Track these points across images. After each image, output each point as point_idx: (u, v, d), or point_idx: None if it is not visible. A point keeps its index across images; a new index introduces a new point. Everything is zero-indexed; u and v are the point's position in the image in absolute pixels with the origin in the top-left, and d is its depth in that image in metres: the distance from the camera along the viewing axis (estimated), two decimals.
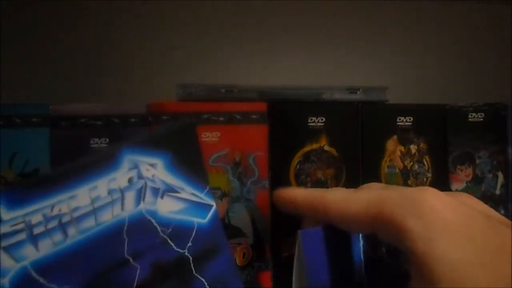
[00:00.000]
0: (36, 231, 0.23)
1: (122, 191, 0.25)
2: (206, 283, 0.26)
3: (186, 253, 0.26)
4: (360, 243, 0.26)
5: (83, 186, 0.24)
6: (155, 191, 0.25)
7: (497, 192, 0.35)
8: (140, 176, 0.25)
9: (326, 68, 0.50)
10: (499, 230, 0.19)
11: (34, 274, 0.22)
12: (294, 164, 0.31)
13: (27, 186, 0.23)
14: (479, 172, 0.35)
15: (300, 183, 0.31)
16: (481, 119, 0.35)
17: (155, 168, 0.26)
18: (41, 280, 0.22)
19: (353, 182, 0.32)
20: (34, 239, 0.23)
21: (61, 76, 0.45)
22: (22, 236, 0.22)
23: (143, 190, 0.25)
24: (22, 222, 0.22)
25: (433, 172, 0.34)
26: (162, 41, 0.47)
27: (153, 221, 0.25)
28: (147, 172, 0.25)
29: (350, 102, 0.33)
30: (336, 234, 0.25)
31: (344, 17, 0.51)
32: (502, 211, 0.35)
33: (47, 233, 0.23)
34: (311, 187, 0.31)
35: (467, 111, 0.35)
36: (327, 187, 0.32)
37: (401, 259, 0.25)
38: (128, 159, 0.25)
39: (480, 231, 0.19)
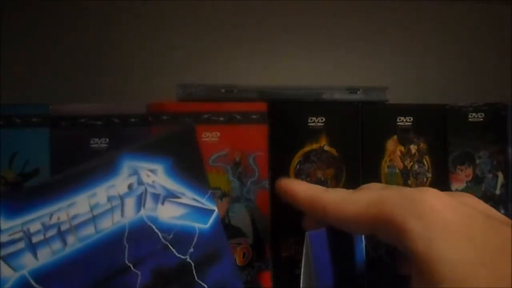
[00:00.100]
0: (35, 239, 0.23)
1: (122, 198, 0.24)
2: None
3: (187, 259, 0.25)
4: (362, 243, 0.26)
5: (82, 194, 0.24)
6: (156, 197, 0.25)
7: (497, 192, 0.35)
8: (140, 182, 0.25)
9: (326, 68, 0.50)
10: (500, 229, 0.19)
11: (33, 283, 0.22)
12: (294, 164, 0.31)
13: (25, 194, 0.23)
14: (479, 172, 0.35)
15: None
16: (481, 119, 0.35)
17: (155, 174, 0.25)
18: None
19: (353, 182, 0.32)
20: (33, 247, 0.22)
21: (61, 76, 0.45)
22: (21, 245, 0.22)
23: (144, 196, 0.25)
24: (20, 231, 0.22)
25: (433, 172, 0.34)
26: (162, 41, 0.47)
27: (154, 227, 0.25)
28: (147, 178, 0.25)
29: (350, 102, 0.33)
30: (340, 234, 0.25)
31: (344, 17, 0.51)
32: (502, 211, 0.35)
33: (46, 241, 0.23)
34: None
35: (467, 111, 0.35)
36: (327, 187, 0.32)
37: (401, 261, 0.25)
38: (127, 165, 0.25)
39: (481, 231, 0.19)
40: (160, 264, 0.25)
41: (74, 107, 0.29)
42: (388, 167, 0.33)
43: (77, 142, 0.28)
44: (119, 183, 0.25)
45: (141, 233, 0.25)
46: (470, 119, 0.35)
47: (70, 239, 0.23)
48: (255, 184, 0.30)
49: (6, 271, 0.22)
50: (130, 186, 0.25)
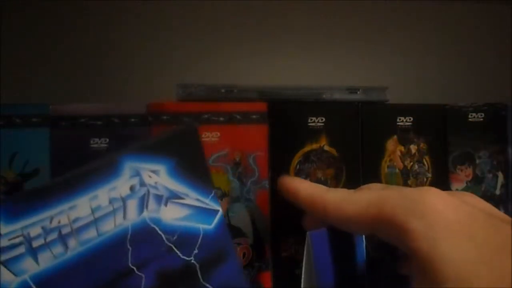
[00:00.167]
0: (36, 244, 0.22)
1: (124, 200, 0.24)
2: None
3: (192, 261, 0.25)
4: (363, 243, 0.26)
5: (83, 196, 0.23)
6: (159, 198, 0.25)
7: (497, 192, 0.35)
8: (142, 184, 0.25)
9: (326, 68, 0.50)
10: (501, 227, 0.19)
11: None
12: (294, 164, 0.31)
13: (25, 197, 0.23)
14: (479, 172, 0.35)
15: None
16: (481, 119, 0.35)
17: (157, 175, 0.25)
18: None
19: (353, 182, 0.32)
20: (33, 252, 0.22)
21: (61, 76, 0.45)
22: (21, 249, 0.22)
23: (146, 198, 0.25)
24: (20, 236, 0.22)
25: (433, 172, 0.34)
26: (162, 41, 0.47)
27: (157, 229, 0.25)
28: (149, 179, 0.25)
29: (350, 102, 0.33)
30: (341, 234, 0.25)
31: (344, 17, 0.51)
32: (502, 211, 0.35)
33: (46, 245, 0.23)
34: None
35: (467, 111, 0.35)
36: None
37: (402, 261, 0.25)
38: (129, 166, 0.25)
39: (482, 230, 0.19)
40: (164, 266, 0.24)
41: (74, 107, 0.29)
42: (388, 167, 0.33)
43: (77, 142, 0.28)
44: (121, 185, 0.24)
45: (145, 235, 0.24)
46: (470, 119, 0.35)
47: (72, 242, 0.23)
48: (255, 184, 0.30)
49: (7, 276, 0.22)
50: (132, 188, 0.25)
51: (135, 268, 0.24)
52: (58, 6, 0.45)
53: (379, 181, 0.33)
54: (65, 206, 0.23)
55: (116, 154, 0.25)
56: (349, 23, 0.51)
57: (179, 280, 0.25)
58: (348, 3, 0.51)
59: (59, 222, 0.23)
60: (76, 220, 0.23)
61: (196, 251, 0.25)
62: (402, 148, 0.33)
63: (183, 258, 0.25)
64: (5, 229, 0.22)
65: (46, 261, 0.22)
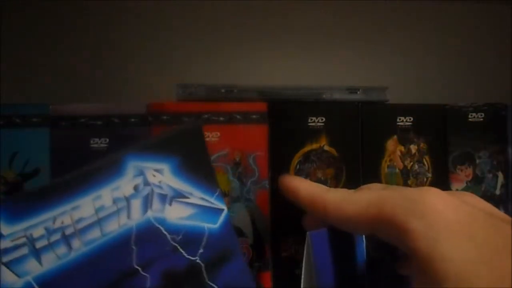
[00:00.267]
0: (39, 245, 0.22)
1: (128, 199, 0.24)
2: None
3: (197, 260, 0.25)
4: (363, 243, 0.26)
5: (86, 196, 0.23)
6: (163, 198, 0.25)
7: (497, 192, 0.35)
8: (146, 183, 0.25)
9: (326, 68, 0.50)
10: (501, 227, 0.19)
11: None
12: (294, 164, 0.31)
13: (27, 198, 0.23)
14: (479, 172, 0.35)
15: None
16: (481, 119, 0.35)
17: (161, 174, 0.25)
18: None
19: (353, 182, 0.32)
20: (36, 253, 0.22)
21: (61, 76, 0.45)
22: (24, 250, 0.22)
23: (150, 197, 0.25)
24: (23, 237, 0.22)
25: (433, 172, 0.34)
26: (162, 41, 0.47)
27: (162, 228, 0.24)
28: (153, 178, 0.25)
29: (350, 102, 0.33)
30: (341, 234, 0.25)
31: (344, 17, 0.51)
32: (502, 211, 0.35)
33: (50, 246, 0.22)
34: None
35: (467, 111, 0.35)
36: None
37: (401, 261, 0.25)
38: (132, 165, 0.24)
39: (482, 229, 0.19)
40: (170, 266, 0.24)
41: (74, 107, 0.29)
42: (388, 167, 0.33)
43: (77, 142, 0.28)
44: (125, 185, 0.24)
45: (149, 235, 0.24)
46: (470, 119, 0.35)
47: (75, 243, 0.23)
48: (255, 184, 0.30)
49: (10, 277, 0.22)
50: (136, 187, 0.24)
51: (140, 269, 0.24)
52: (58, 6, 0.45)
53: (379, 181, 0.33)
54: (68, 206, 0.23)
55: (119, 154, 0.24)
56: (349, 23, 0.51)
57: (185, 280, 0.24)
58: (348, 3, 0.51)
59: (62, 222, 0.23)
60: (79, 220, 0.23)
61: (201, 250, 0.25)
62: (402, 148, 0.33)
63: (188, 258, 0.25)
64: (8, 230, 0.22)
65: (50, 262, 0.22)
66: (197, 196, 0.26)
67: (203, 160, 0.26)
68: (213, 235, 0.26)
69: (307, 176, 0.31)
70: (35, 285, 0.22)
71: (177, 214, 0.25)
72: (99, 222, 0.23)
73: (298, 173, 0.31)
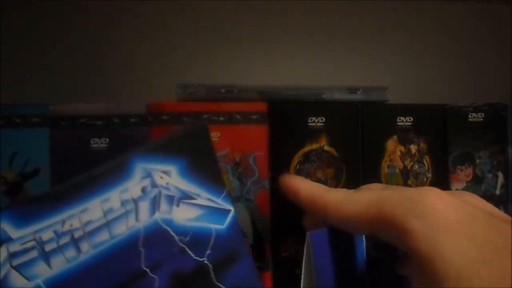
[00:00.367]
0: (48, 248, 0.22)
1: (136, 202, 0.24)
2: None
3: (205, 261, 0.25)
4: (363, 243, 0.26)
5: (94, 199, 0.23)
6: (170, 199, 0.25)
7: (497, 192, 0.35)
8: (153, 185, 0.25)
9: (326, 68, 0.50)
10: (501, 227, 0.19)
11: None
12: (294, 164, 0.31)
13: (36, 201, 0.23)
14: (479, 172, 0.35)
15: None
16: (481, 119, 0.35)
17: (169, 175, 0.25)
18: None
19: (353, 182, 0.32)
20: (46, 256, 0.22)
21: (61, 76, 0.45)
22: (34, 254, 0.22)
23: (158, 199, 0.25)
24: (32, 240, 0.22)
25: (433, 172, 0.34)
26: (162, 41, 0.47)
27: (169, 230, 0.25)
28: (161, 180, 0.25)
29: (350, 102, 0.33)
30: (341, 234, 0.25)
31: (344, 17, 0.51)
32: (502, 211, 0.35)
33: (59, 249, 0.22)
34: None
35: (467, 111, 0.35)
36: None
37: (402, 261, 0.25)
38: (140, 167, 0.24)
39: (482, 229, 0.19)
40: (177, 268, 0.24)
41: (74, 107, 0.29)
42: (388, 167, 0.33)
43: (77, 142, 0.28)
44: (132, 187, 0.24)
45: (157, 237, 0.24)
46: (470, 119, 0.35)
47: (84, 246, 0.23)
48: (255, 184, 0.30)
49: (20, 281, 0.22)
50: (143, 189, 0.24)
51: (148, 270, 0.24)
52: (58, 6, 0.45)
53: (379, 181, 0.33)
54: (76, 209, 0.23)
55: (127, 156, 0.24)
56: (349, 23, 0.51)
57: (192, 281, 0.24)
58: (348, 3, 0.51)
59: (71, 225, 0.23)
60: (88, 223, 0.23)
61: (208, 251, 0.25)
62: (402, 148, 0.33)
63: (196, 259, 0.25)
64: (17, 233, 0.22)
65: (59, 265, 0.22)
66: (204, 197, 0.26)
67: (210, 160, 0.26)
68: (221, 236, 0.26)
69: (307, 176, 0.31)
70: None
71: (184, 216, 0.25)
72: (107, 224, 0.23)
73: (298, 173, 0.31)
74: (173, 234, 0.25)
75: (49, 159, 0.28)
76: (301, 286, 0.26)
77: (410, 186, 0.33)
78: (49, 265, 0.22)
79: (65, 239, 0.23)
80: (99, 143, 0.28)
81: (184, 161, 0.25)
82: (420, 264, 0.19)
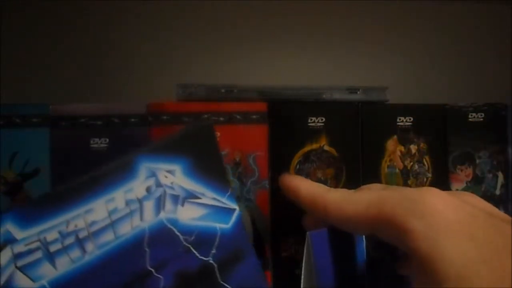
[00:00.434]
0: (53, 248, 0.22)
1: (140, 201, 0.24)
2: None
3: (210, 261, 0.25)
4: (363, 243, 0.26)
5: (99, 199, 0.23)
6: (175, 199, 0.25)
7: (497, 192, 0.35)
8: (158, 184, 0.25)
9: (326, 68, 0.50)
10: (501, 227, 0.20)
11: None
12: (294, 164, 0.31)
13: (40, 202, 0.23)
14: (479, 172, 0.35)
15: None
16: (481, 119, 0.35)
17: (173, 175, 0.25)
18: None
19: (353, 182, 0.32)
20: (51, 257, 0.22)
21: (61, 76, 0.45)
22: (38, 254, 0.22)
23: (163, 199, 0.25)
24: (37, 241, 0.22)
25: (433, 172, 0.34)
26: (162, 41, 0.47)
27: (174, 229, 0.24)
28: (165, 179, 0.25)
29: (350, 102, 0.33)
30: (341, 234, 0.25)
31: (344, 17, 0.51)
32: (502, 211, 0.35)
33: (64, 250, 0.22)
34: None
35: (467, 111, 0.35)
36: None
37: (402, 261, 0.25)
38: (144, 167, 0.24)
39: (482, 229, 0.19)
40: (182, 267, 0.24)
41: (74, 107, 0.29)
42: (388, 167, 0.33)
43: (77, 142, 0.28)
44: (137, 186, 0.24)
45: (162, 237, 0.24)
46: (470, 119, 0.35)
47: (89, 246, 0.23)
48: (255, 184, 0.30)
49: (25, 282, 0.22)
50: (148, 189, 0.24)
51: (153, 270, 0.24)
52: (58, 6, 0.45)
53: (379, 181, 0.33)
54: (81, 209, 0.23)
55: (131, 155, 0.24)
56: (349, 23, 0.51)
57: (198, 280, 0.24)
58: (348, 3, 0.51)
59: (75, 226, 0.23)
60: (93, 223, 0.23)
61: (213, 251, 0.25)
62: (402, 148, 0.33)
63: (201, 258, 0.25)
64: (22, 234, 0.22)
65: (64, 265, 0.22)
66: (209, 196, 0.26)
67: (215, 159, 0.26)
68: (226, 235, 0.26)
69: (307, 176, 0.31)
70: None
71: (189, 215, 0.25)
72: (112, 224, 0.23)
73: (298, 173, 0.31)
74: (178, 233, 0.25)
75: (49, 159, 0.28)
76: (301, 286, 0.26)
77: (410, 186, 0.33)
78: (54, 265, 0.22)
79: (70, 240, 0.23)
80: (99, 143, 0.28)
81: (189, 160, 0.25)
82: (420, 264, 0.19)
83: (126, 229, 0.24)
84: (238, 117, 0.30)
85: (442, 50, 0.53)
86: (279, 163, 0.31)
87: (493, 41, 0.54)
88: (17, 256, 0.22)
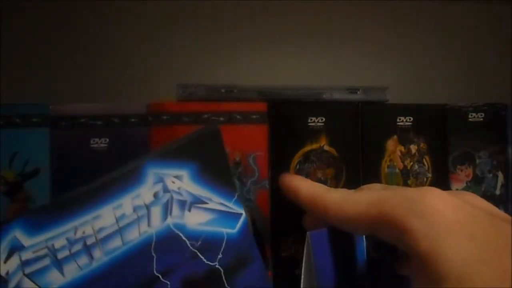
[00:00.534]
0: (61, 255, 0.22)
1: (148, 207, 0.24)
2: None
3: (216, 266, 0.25)
4: (363, 243, 0.26)
5: (107, 205, 0.23)
6: (182, 204, 0.25)
7: (497, 192, 0.35)
8: (165, 190, 0.24)
9: (326, 68, 0.50)
10: (502, 227, 0.19)
11: None
12: (294, 164, 0.31)
13: (48, 209, 0.23)
14: (479, 172, 0.35)
15: None
16: (481, 119, 0.35)
17: (180, 180, 0.25)
18: None
19: (353, 182, 0.32)
20: (58, 264, 0.22)
21: (61, 76, 0.45)
22: (46, 261, 0.22)
23: (170, 204, 0.25)
24: (45, 248, 0.22)
25: (433, 172, 0.34)
26: (162, 41, 0.47)
27: (181, 235, 0.24)
28: (172, 184, 0.25)
29: (350, 102, 0.33)
30: (341, 234, 0.25)
31: (344, 17, 0.51)
32: (502, 211, 0.35)
33: (72, 257, 0.22)
34: None
35: (467, 111, 0.35)
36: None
37: (402, 261, 0.25)
38: (152, 173, 0.24)
39: (483, 229, 0.19)
40: (189, 273, 0.24)
41: (74, 107, 0.29)
42: (388, 167, 0.33)
43: (77, 142, 0.28)
44: (144, 192, 0.24)
45: (169, 242, 0.24)
46: (470, 119, 0.35)
47: (97, 253, 0.23)
48: (255, 184, 0.30)
49: None
50: (155, 195, 0.24)
51: (160, 276, 0.24)
52: (58, 6, 0.45)
53: (379, 181, 0.33)
54: (89, 216, 0.23)
55: (138, 161, 0.24)
56: (349, 23, 0.51)
57: (204, 285, 0.24)
58: (348, 3, 0.51)
59: (83, 232, 0.23)
60: (100, 230, 0.23)
61: (220, 255, 0.25)
62: (402, 148, 0.33)
63: (208, 264, 0.25)
64: (29, 241, 0.22)
65: (72, 272, 0.22)
66: (216, 201, 0.26)
67: (222, 164, 0.26)
68: (232, 240, 0.25)
69: (307, 176, 0.31)
70: None
71: (196, 220, 0.25)
72: (120, 231, 0.23)
73: (298, 173, 0.31)
74: (185, 239, 0.24)
75: (49, 159, 0.28)
76: (301, 286, 0.26)
77: (410, 186, 0.33)
78: (61, 272, 0.22)
79: (78, 246, 0.23)
80: (99, 143, 0.28)
81: (196, 165, 0.25)
82: (420, 264, 0.19)
83: (134, 235, 0.24)
84: (238, 117, 0.30)
85: (442, 50, 0.53)
86: (279, 163, 0.31)
87: (493, 41, 0.54)
88: (25, 263, 0.22)
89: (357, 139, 0.32)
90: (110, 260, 0.23)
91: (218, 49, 0.48)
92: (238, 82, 0.32)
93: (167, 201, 0.25)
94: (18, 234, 0.22)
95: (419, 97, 0.48)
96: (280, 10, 0.49)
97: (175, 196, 0.25)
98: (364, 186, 0.27)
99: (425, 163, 0.34)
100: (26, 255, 0.22)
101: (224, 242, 0.25)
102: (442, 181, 0.34)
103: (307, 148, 0.31)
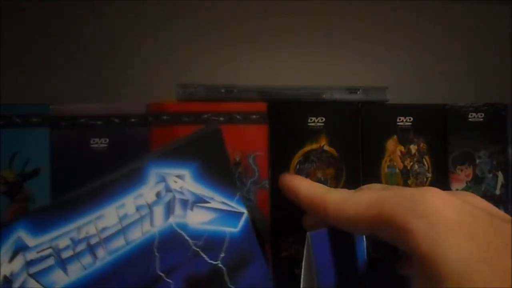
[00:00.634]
0: (64, 255, 0.22)
1: (151, 206, 0.24)
2: None
3: (219, 264, 0.25)
4: (364, 243, 0.26)
5: (110, 205, 0.23)
6: (184, 203, 0.25)
7: (497, 192, 0.35)
8: (168, 189, 0.25)
9: (326, 68, 0.50)
10: (502, 227, 0.19)
11: None
12: (294, 164, 0.31)
13: (52, 209, 0.23)
14: (479, 172, 0.35)
15: None
16: (481, 119, 0.35)
17: (183, 179, 0.25)
18: None
19: (353, 182, 0.32)
20: (62, 264, 0.22)
21: (61, 76, 0.45)
22: (50, 261, 0.22)
23: (172, 203, 0.25)
24: (49, 248, 0.22)
25: (433, 172, 0.34)
26: (162, 41, 0.47)
27: (184, 234, 0.25)
28: (175, 184, 0.25)
29: (350, 102, 0.33)
30: (342, 234, 0.25)
31: (344, 17, 0.51)
32: (502, 211, 0.35)
33: (75, 256, 0.23)
34: None
35: (467, 111, 0.35)
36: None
37: (402, 261, 0.25)
38: (154, 172, 0.25)
39: (483, 229, 0.19)
40: (192, 272, 0.24)
41: (74, 107, 0.29)
42: (388, 167, 0.33)
43: (77, 142, 0.28)
44: (147, 192, 0.24)
45: (172, 241, 0.24)
46: (470, 119, 0.35)
47: (100, 252, 0.23)
48: (255, 184, 0.30)
49: None
50: (158, 194, 0.24)
51: (163, 275, 0.24)
52: (58, 6, 0.45)
53: (379, 181, 0.33)
54: (92, 216, 0.23)
55: (141, 161, 0.25)
56: (349, 23, 0.51)
57: (207, 284, 0.24)
58: (347, 3, 0.51)
59: (87, 232, 0.23)
60: (104, 229, 0.23)
61: (222, 254, 0.25)
62: (402, 148, 0.33)
63: (210, 262, 0.25)
64: (34, 241, 0.22)
65: (76, 272, 0.22)
66: (218, 200, 0.26)
67: (223, 163, 0.26)
68: (234, 239, 0.26)
69: (307, 176, 0.31)
70: None
71: (198, 219, 0.25)
72: (123, 230, 0.24)
73: (298, 173, 0.31)
74: (187, 238, 0.25)
75: (49, 159, 0.28)
76: (301, 286, 0.26)
77: (410, 186, 0.33)
78: (66, 272, 0.22)
79: (82, 246, 0.23)
80: (99, 143, 0.28)
81: (198, 164, 0.25)
82: (420, 264, 0.19)
83: (137, 235, 0.24)
84: (238, 117, 0.30)
85: (442, 50, 0.53)
86: (279, 163, 0.31)
87: (493, 41, 0.54)
88: (29, 263, 0.22)
89: (357, 139, 0.32)
90: (114, 259, 0.23)
91: (218, 49, 0.48)
92: (238, 82, 0.32)
93: (170, 200, 0.25)
94: (22, 235, 0.22)
95: (419, 97, 0.48)
96: (280, 10, 0.49)
97: (177, 196, 0.25)
98: (364, 186, 0.27)
99: (425, 163, 0.34)
100: (31, 255, 0.22)
101: (227, 241, 0.25)
102: (442, 181, 0.34)
103: (307, 148, 0.31)
